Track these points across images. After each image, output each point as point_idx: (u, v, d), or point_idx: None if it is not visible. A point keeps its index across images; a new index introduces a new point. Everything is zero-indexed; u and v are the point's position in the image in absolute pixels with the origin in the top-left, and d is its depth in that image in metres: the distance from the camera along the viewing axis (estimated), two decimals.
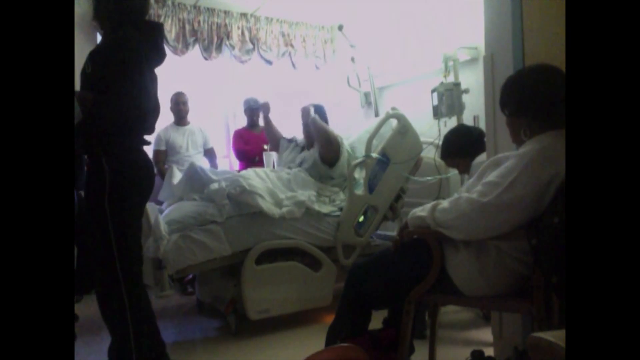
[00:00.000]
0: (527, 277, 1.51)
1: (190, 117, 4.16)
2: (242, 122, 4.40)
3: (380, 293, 1.71)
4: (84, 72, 1.81)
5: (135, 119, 1.77)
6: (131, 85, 1.71)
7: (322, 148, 3.09)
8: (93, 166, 1.79)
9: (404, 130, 2.98)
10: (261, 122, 4.14)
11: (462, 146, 2.43)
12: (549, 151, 1.41)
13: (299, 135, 3.46)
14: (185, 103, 4.05)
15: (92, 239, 1.83)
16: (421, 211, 1.61)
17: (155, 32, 1.89)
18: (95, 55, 1.81)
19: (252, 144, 4.14)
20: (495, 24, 2.03)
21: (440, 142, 2.55)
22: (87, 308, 3.24)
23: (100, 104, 1.69)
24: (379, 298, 1.73)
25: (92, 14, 1.95)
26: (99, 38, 4.09)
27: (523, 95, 1.53)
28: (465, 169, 2.44)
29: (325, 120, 3.29)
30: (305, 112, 3.21)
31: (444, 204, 1.56)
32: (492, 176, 1.48)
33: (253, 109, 4.16)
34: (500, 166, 1.50)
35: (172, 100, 4.03)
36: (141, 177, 1.86)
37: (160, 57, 1.91)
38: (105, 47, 1.80)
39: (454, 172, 2.95)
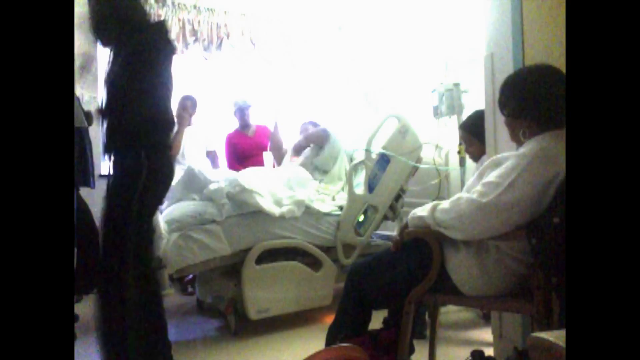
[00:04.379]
0: (527, 277, 1.51)
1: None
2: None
3: (380, 293, 1.71)
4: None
5: (165, 116, 1.93)
6: (158, 86, 1.89)
7: (315, 141, 3.45)
8: (129, 161, 1.85)
9: (404, 130, 2.98)
10: (252, 122, 4.15)
11: (478, 127, 2.27)
12: (549, 151, 1.41)
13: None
14: (185, 108, 3.87)
15: (107, 230, 1.85)
16: (421, 211, 1.61)
17: (162, 30, 2.00)
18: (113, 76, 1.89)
19: (244, 146, 4.07)
20: (495, 24, 2.03)
21: (471, 113, 2.45)
22: (87, 308, 3.24)
23: (137, 102, 1.82)
24: (379, 298, 1.73)
25: (93, 28, 1.98)
26: None
27: (522, 97, 1.53)
28: (475, 154, 2.37)
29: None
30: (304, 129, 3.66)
31: (444, 204, 1.56)
32: (491, 176, 1.48)
33: (243, 109, 4.07)
34: (500, 166, 1.50)
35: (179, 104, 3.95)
36: (169, 174, 1.98)
37: (172, 50, 2.01)
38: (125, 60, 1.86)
39: (452, 168, 2.97)
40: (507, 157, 1.52)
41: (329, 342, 1.78)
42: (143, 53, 1.84)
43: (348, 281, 1.77)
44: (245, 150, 4.05)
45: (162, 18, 4.20)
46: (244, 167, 3.89)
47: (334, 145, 3.35)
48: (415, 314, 1.68)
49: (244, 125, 4.12)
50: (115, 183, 1.88)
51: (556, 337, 0.93)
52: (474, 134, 2.36)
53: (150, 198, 1.88)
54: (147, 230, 1.90)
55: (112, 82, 1.90)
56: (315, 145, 3.42)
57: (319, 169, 3.37)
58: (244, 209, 2.67)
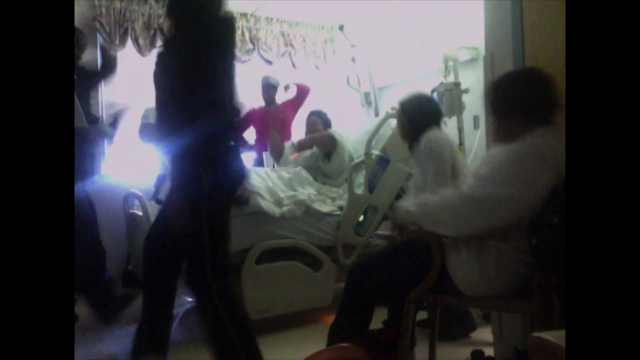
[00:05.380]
0: (527, 277, 1.51)
1: None
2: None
3: (382, 288, 1.72)
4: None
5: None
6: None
7: (322, 146, 3.38)
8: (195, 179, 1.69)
9: None
10: (278, 100, 4.14)
11: (414, 109, 2.26)
12: (540, 149, 1.44)
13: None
14: None
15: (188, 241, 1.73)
16: (411, 205, 1.63)
17: (224, 28, 1.85)
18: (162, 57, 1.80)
19: (265, 119, 4.01)
20: (495, 24, 2.03)
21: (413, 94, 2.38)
22: (87, 308, 3.24)
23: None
24: (381, 293, 1.74)
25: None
26: (99, 38, 4.08)
27: (510, 97, 1.58)
28: (402, 134, 2.32)
29: (328, 122, 3.68)
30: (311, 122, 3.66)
31: (434, 197, 1.57)
32: (482, 170, 1.51)
33: (266, 87, 4.09)
34: (491, 161, 1.52)
35: None
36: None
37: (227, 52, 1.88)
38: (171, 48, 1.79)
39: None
40: (497, 153, 1.54)
41: (331, 341, 1.79)
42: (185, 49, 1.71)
43: (349, 280, 1.77)
44: (264, 125, 3.96)
45: (162, 18, 4.17)
46: (259, 141, 3.91)
47: (342, 157, 3.29)
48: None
49: (268, 101, 4.13)
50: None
51: (556, 337, 0.94)
52: (406, 111, 2.27)
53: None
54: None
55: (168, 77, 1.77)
56: (321, 151, 3.37)
57: (322, 173, 3.34)
58: (244, 209, 2.67)
